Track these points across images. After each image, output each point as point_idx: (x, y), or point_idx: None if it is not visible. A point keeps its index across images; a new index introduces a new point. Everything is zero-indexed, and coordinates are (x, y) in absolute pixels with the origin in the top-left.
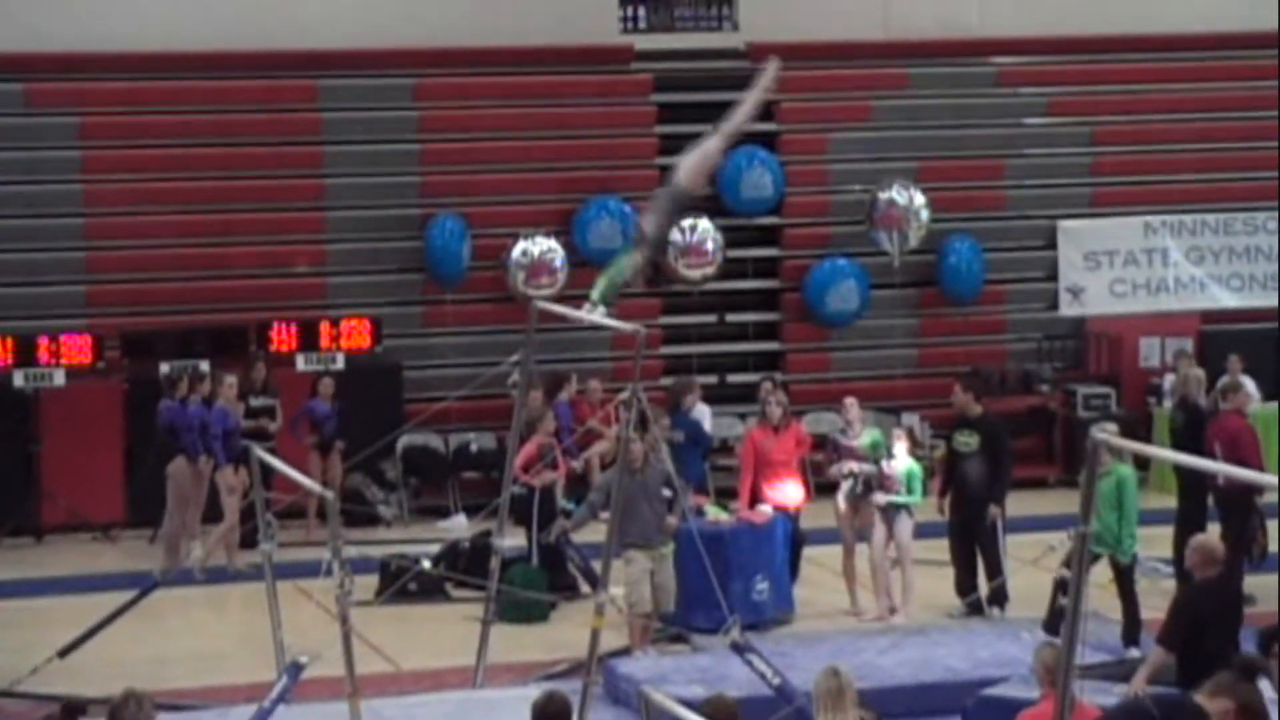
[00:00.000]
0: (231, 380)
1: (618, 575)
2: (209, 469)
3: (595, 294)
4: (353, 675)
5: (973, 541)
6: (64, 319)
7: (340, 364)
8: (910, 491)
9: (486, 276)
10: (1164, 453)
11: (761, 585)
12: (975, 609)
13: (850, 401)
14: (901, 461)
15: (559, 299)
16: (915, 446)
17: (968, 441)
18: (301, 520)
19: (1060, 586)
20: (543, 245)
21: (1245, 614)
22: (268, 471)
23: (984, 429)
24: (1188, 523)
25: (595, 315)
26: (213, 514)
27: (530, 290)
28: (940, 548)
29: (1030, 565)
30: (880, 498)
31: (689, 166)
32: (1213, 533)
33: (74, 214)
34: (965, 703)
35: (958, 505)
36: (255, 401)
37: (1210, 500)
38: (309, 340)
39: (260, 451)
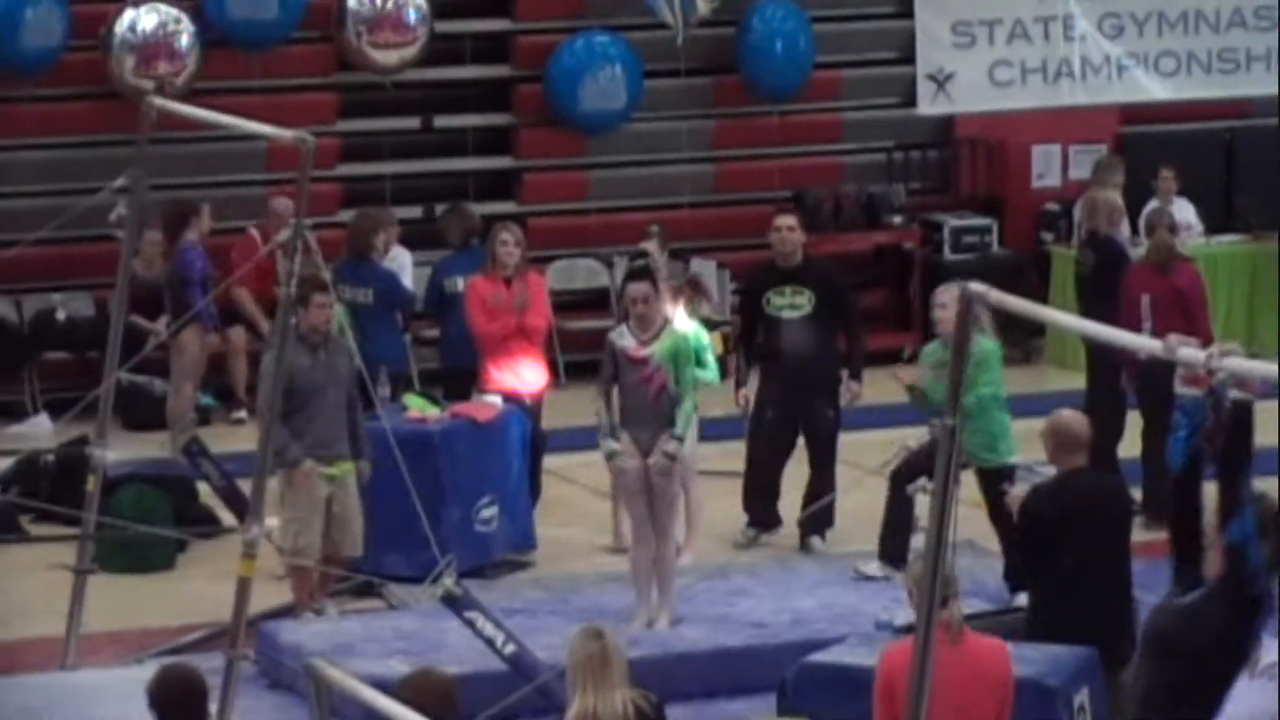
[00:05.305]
0: None
1: (276, 500)
2: None
3: None
4: None
5: (792, 442)
6: None
7: None
8: (702, 366)
9: (80, 60)
10: (1062, 316)
11: (488, 511)
12: (761, 527)
13: (651, 245)
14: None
15: (187, 97)
16: (696, 303)
17: (795, 303)
18: None
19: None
20: (161, 15)
21: None
22: None
23: (816, 284)
24: (1098, 414)
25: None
26: None
27: (143, 82)
28: (735, 452)
29: (874, 475)
30: None
31: None
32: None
33: None
34: (783, 674)
35: (773, 393)
36: None
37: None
38: None
39: None
